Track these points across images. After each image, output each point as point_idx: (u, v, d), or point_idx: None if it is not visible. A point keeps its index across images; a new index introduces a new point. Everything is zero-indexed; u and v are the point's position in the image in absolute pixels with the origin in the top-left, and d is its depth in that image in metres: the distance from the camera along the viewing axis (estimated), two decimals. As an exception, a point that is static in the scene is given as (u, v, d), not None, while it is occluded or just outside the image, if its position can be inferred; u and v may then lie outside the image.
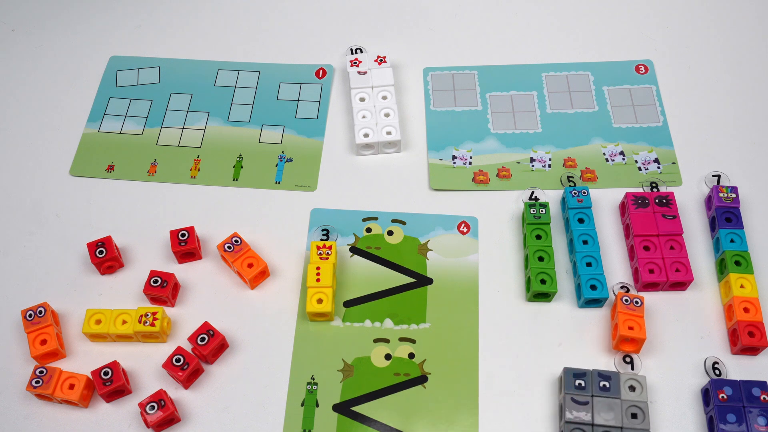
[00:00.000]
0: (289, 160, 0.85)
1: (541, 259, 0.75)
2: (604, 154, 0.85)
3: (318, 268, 0.74)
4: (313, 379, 0.71)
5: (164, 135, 0.88)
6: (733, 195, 0.78)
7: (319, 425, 0.69)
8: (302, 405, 0.70)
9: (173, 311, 0.75)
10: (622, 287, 0.74)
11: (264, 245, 0.79)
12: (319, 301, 0.73)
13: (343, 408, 0.70)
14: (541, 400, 0.70)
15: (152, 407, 0.67)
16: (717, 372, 0.70)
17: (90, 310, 0.73)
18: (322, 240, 0.78)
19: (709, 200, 0.80)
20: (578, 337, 0.73)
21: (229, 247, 0.76)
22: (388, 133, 0.84)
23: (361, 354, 0.73)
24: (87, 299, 0.76)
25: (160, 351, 0.73)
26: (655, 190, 0.80)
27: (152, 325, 0.71)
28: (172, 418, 0.69)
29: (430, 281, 0.77)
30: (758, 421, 0.66)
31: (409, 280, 0.77)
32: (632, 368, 0.70)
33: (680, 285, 0.75)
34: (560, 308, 0.75)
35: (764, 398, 0.67)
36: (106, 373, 0.69)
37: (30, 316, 0.72)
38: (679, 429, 0.68)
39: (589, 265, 0.75)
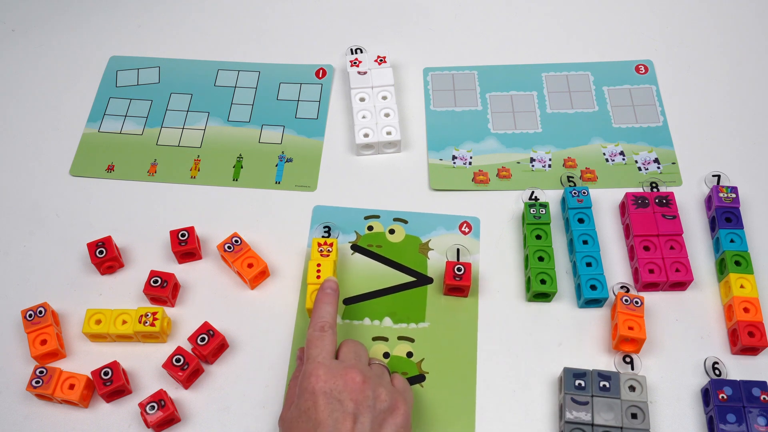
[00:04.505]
0: (289, 160, 0.85)
1: (541, 259, 0.75)
2: (604, 154, 0.84)
3: (318, 265, 0.74)
4: (313, 379, 0.71)
5: (164, 135, 0.88)
6: (733, 195, 0.78)
7: (319, 425, 0.69)
8: (302, 405, 0.70)
9: (173, 311, 0.75)
10: (622, 287, 0.74)
11: (264, 245, 0.79)
12: (319, 300, 0.73)
13: (343, 408, 0.70)
14: (541, 400, 0.70)
15: (152, 407, 0.67)
16: (717, 372, 0.70)
17: (90, 310, 0.73)
18: (323, 237, 0.78)
19: (709, 200, 0.80)
20: (578, 337, 0.73)
21: (229, 247, 0.76)
22: (388, 133, 0.84)
23: (361, 354, 0.73)
24: (87, 299, 0.76)
25: (160, 351, 0.73)
26: (655, 190, 0.80)
27: (152, 325, 0.71)
28: (172, 418, 0.69)
29: (430, 281, 0.77)
30: (758, 421, 0.66)
31: (410, 279, 0.77)
32: (632, 368, 0.70)
33: (680, 285, 0.75)
34: (560, 308, 0.75)
35: (764, 398, 0.67)
36: (106, 373, 0.69)
37: (30, 316, 0.72)
38: (679, 429, 0.68)
39: (589, 265, 0.75)
